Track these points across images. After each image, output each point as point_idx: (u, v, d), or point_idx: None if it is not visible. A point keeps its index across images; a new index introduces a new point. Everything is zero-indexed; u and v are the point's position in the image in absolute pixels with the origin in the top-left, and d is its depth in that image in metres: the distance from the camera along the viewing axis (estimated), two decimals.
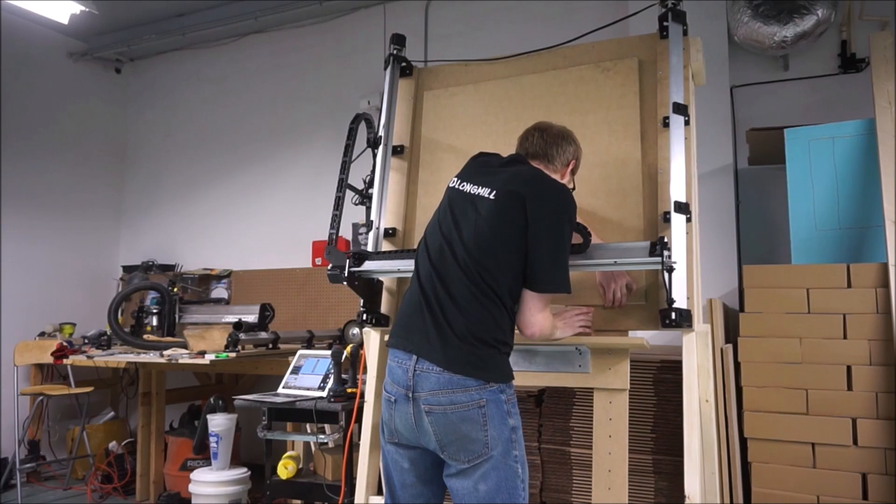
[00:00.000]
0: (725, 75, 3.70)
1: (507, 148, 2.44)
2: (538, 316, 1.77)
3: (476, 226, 1.77)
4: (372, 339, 2.40)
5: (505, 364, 1.76)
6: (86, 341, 4.64)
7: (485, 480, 1.67)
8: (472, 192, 1.84)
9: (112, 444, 4.64)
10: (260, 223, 5.38)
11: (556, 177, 1.94)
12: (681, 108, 2.15)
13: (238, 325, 3.77)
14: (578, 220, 1.93)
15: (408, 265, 2.21)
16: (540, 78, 2.46)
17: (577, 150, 2.03)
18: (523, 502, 1.72)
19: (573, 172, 2.05)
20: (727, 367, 2.77)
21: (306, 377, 3.16)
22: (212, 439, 3.64)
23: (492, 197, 1.79)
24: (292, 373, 3.23)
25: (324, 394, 2.99)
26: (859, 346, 2.56)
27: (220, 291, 5.33)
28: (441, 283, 1.77)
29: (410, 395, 1.72)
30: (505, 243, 1.74)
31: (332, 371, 2.98)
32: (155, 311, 4.74)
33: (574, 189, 2.02)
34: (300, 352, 3.35)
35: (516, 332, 1.81)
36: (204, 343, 3.76)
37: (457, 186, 1.90)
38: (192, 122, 5.85)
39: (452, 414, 1.67)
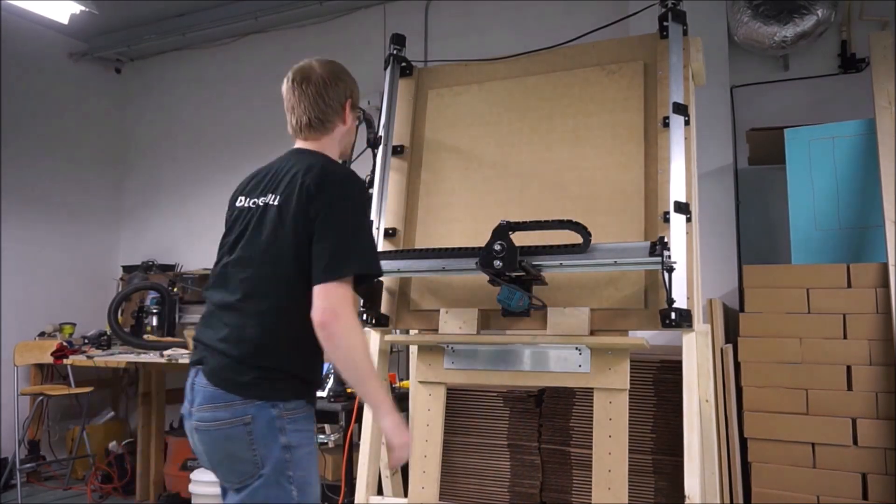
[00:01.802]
0: (725, 75, 3.70)
1: (509, 148, 2.44)
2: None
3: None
4: (372, 339, 2.40)
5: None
6: (86, 341, 4.65)
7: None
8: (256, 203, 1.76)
9: (112, 444, 4.64)
10: None
11: (337, 130, 1.83)
12: (681, 108, 2.15)
13: None
14: (579, 220, 1.94)
15: (408, 265, 2.21)
16: (544, 79, 2.46)
17: (347, 83, 1.86)
18: None
19: (354, 107, 1.90)
20: (727, 367, 2.77)
21: None
22: None
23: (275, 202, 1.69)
24: None
25: (324, 394, 2.99)
26: (859, 346, 2.56)
27: None
28: None
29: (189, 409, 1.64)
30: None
31: (332, 371, 2.98)
32: (155, 311, 4.75)
33: (361, 119, 1.95)
34: None
35: None
36: None
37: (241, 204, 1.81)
38: (192, 122, 5.85)
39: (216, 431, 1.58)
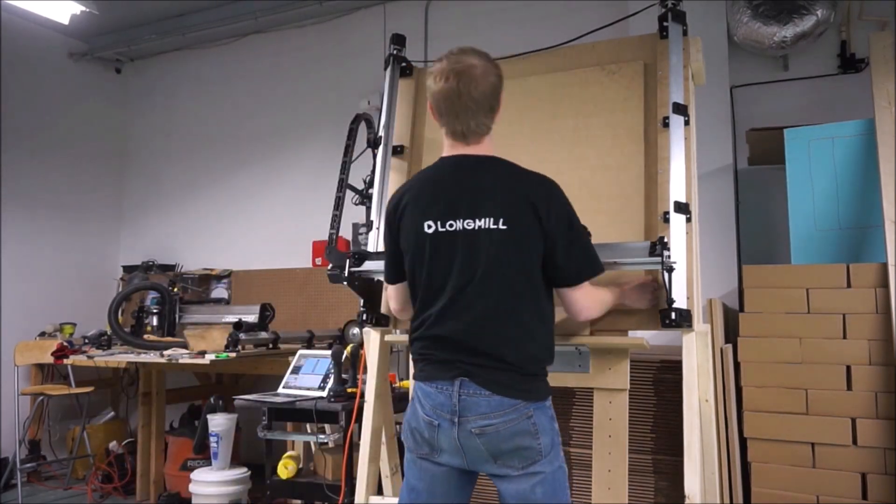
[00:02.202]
0: (725, 75, 3.70)
1: (508, 148, 2.43)
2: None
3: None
4: (372, 339, 2.40)
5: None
6: (86, 341, 4.64)
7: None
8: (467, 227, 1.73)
9: (112, 444, 4.64)
10: (260, 223, 5.38)
11: (492, 132, 1.79)
12: (681, 108, 2.15)
13: (238, 325, 3.77)
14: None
15: None
16: (544, 79, 2.46)
17: (500, 76, 1.77)
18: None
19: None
20: (727, 367, 2.77)
21: (306, 377, 3.15)
22: (212, 439, 3.64)
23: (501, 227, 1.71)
24: (292, 373, 3.23)
25: (324, 394, 2.99)
26: (859, 346, 2.56)
27: (220, 291, 5.33)
28: None
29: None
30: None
31: (332, 371, 2.98)
32: (155, 311, 4.74)
33: None
34: (300, 352, 3.35)
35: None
36: (204, 343, 3.77)
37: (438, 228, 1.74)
38: (192, 122, 5.85)
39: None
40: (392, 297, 1.96)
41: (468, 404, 1.67)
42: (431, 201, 1.75)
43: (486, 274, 1.69)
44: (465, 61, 1.71)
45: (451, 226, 1.72)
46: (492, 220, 1.69)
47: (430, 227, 1.73)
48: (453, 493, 1.78)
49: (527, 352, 1.70)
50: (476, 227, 1.70)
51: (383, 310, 2.28)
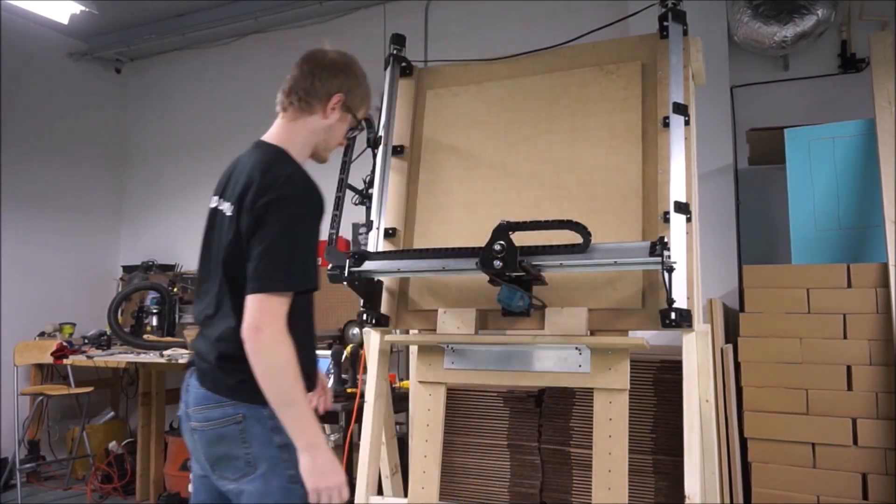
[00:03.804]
0: (725, 75, 3.70)
1: (507, 148, 2.44)
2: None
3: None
4: (372, 339, 2.40)
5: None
6: (86, 341, 4.65)
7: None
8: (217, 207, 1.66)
9: (112, 444, 4.64)
10: None
11: (312, 120, 1.70)
12: (681, 108, 2.15)
13: None
14: (578, 220, 1.93)
15: (408, 265, 2.21)
16: (542, 79, 2.46)
17: (349, 80, 1.74)
18: None
19: (348, 109, 1.75)
20: (727, 367, 2.77)
21: None
22: None
23: (229, 211, 1.61)
24: None
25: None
26: (859, 346, 2.56)
27: None
28: None
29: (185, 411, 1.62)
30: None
31: (332, 371, 2.98)
32: (155, 311, 4.75)
33: (360, 130, 1.86)
34: None
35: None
36: None
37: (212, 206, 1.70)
38: (192, 122, 5.85)
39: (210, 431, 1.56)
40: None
41: (189, 395, 1.60)
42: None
43: (212, 259, 1.64)
44: (326, 47, 1.77)
45: (214, 202, 1.68)
46: (228, 204, 1.62)
47: (211, 202, 1.69)
48: None
49: (224, 349, 1.54)
50: (218, 208, 1.65)
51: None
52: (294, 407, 1.49)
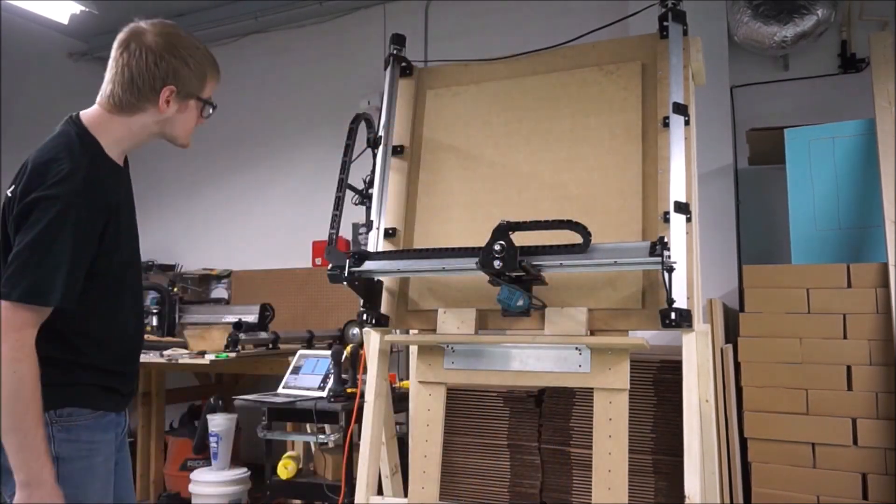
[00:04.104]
0: (725, 75, 3.70)
1: (507, 148, 2.44)
2: None
3: None
4: (372, 340, 2.40)
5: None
6: None
7: None
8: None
9: None
10: (260, 223, 5.38)
11: (142, 114, 1.58)
12: (681, 108, 2.15)
13: (238, 325, 3.77)
14: (578, 220, 1.94)
15: (408, 265, 2.21)
16: (542, 79, 2.46)
17: (175, 64, 1.54)
18: None
19: (185, 96, 1.60)
20: (727, 367, 2.77)
21: (306, 377, 3.15)
22: (212, 439, 3.64)
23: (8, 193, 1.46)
24: (292, 373, 3.23)
25: (324, 394, 2.99)
26: (859, 346, 2.56)
27: (220, 291, 5.33)
28: None
29: None
30: None
31: (332, 371, 2.98)
32: (155, 311, 4.74)
33: (212, 111, 1.70)
34: (300, 352, 3.35)
35: None
36: (204, 343, 3.77)
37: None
38: None
39: None
40: None
41: None
42: None
43: None
44: (145, 24, 1.58)
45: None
46: (13, 187, 1.46)
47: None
48: None
49: None
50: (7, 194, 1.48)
51: None
52: (21, 435, 1.30)
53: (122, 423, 1.59)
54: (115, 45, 1.56)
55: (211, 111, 1.67)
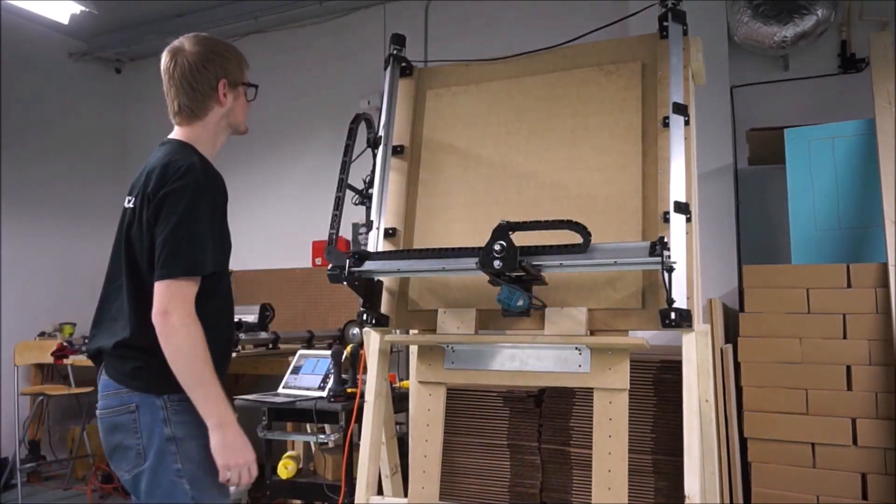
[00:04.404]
0: (725, 75, 3.70)
1: (507, 148, 2.44)
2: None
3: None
4: (372, 339, 2.40)
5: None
6: (86, 341, 4.64)
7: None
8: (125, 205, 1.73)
9: None
10: (260, 223, 5.38)
11: (212, 116, 1.77)
12: (681, 108, 2.15)
13: (238, 325, 3.77)
14: (578, 220, 1.94)
15: (408, 265, 2.21)
16: (542, 79, 2.46)
17: (219, 61, 1.75)
18: None
19: (234, 84, 1.78)
20: (727, 367, 2.77)
21: (306, 377, 3.16)
22: None
23: (130, 204, 1.69)
24: (292, 373, 3.23)
25: (324, 394, 2.99)
26: (859, 346, 2.56)
27: None
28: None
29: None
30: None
31: (332, 371, 2.98)
32: None
33: (255, 92, 1.86)
34: (300, 352, 3.35)
35: None
36: None
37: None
38: None
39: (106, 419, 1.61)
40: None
41: (100, 383, 1.65)
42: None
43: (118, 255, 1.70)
44: (178, 42, 1.76)
45: (126, 203, 1.73)
46: (131, 198, 1.69)
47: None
48: None
49: (121, 336, 1.60)
50: (125, 206, 1.71)
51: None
52: (204, 387, 1.54)
53: None
54: (164, 68, 1.77)
55: (255, 92, 1.87)
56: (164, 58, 1.76)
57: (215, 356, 1.58)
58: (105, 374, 1.63)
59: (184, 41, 1.76)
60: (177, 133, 1.79)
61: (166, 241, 1.56)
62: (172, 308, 1.52)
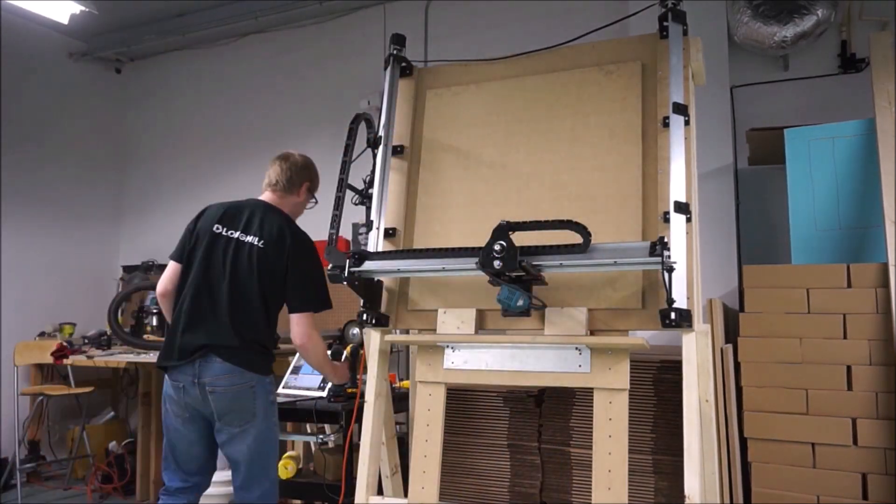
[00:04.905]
0: (725, 75, 3.70)
1: (507, 148, 2.45)
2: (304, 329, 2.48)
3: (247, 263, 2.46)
4: (372, 340, 2.40)
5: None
6: (86, 341, 4.65)
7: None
8: (237, 237, 2.49)
9: (112, 444, 4.64)
10: None
11: (294, 199, 2.64)
12: (681, 108, 2.15)
13: None
14: (577, 220, 1.94)
15: (408, 265, 2.21)
16: (542, 79, 2.46)
17: (311, 174, 2.71)
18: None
19: (311, 191, 2.72)
20: (727, 367, 2.77)
21: (306, 377, 3.16)
22: None
23: (259, 244, 2.45)
24: (292, 373, 3.22)
25: (324, 394, 2.99)
26: (859, 346, 2.56)
27: None
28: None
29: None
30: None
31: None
32: (155, 311, 4.75)
33: (315, 203, 2.75)
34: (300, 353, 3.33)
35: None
36: None
37: (220, 232, 2.51)
38: (192, 122, 5.85)
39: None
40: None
41: (210, 369, 2.37)
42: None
43: (226, 273, 2.45)
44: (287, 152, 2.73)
45: (221, 230, 2.53)
46: (255, 237, 2.47)
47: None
48: None
49: (255, 337, 2.43)
50: (237, 238, 2.49)
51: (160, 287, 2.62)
52: (329, 370, 2.67)
53: None
54: (277, 158, 2.70)
55: (315, 203, 2.77)
56: (280, 154, 2.72)
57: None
58: (226, 361, 2.36)
59: (293, 152, 2.73)
60: (270, 199, 2.62)
61: (303, 286, 2.47)
62: (312, 333, 2.48)
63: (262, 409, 2.40)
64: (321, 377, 3.12)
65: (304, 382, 3.14)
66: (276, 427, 2.49)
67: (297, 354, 3.36)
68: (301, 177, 2.64)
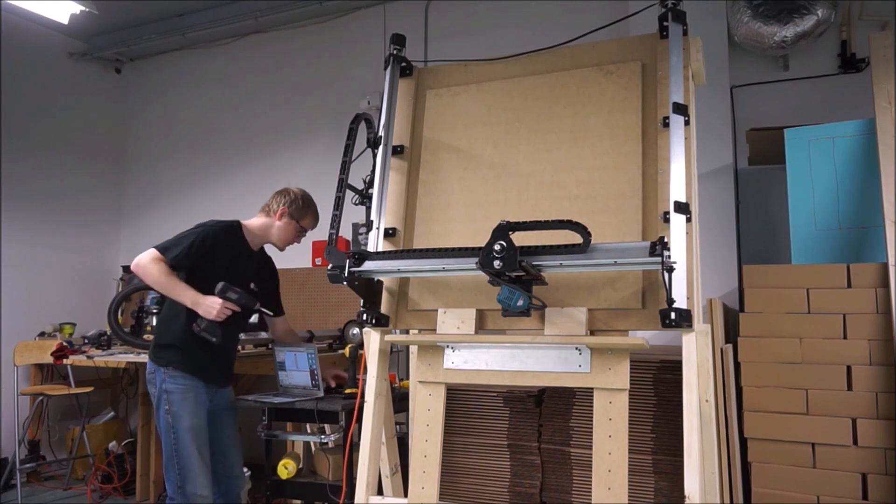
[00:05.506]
0: (725, 75, 3.70)
1: (507, 148, 2.45)
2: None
3: None
4: (372, 339, 2.40)
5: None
6: (86, 341, 4.64)
7: None
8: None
9: (112, 444, 4.64)
10: None
11: (269, 219, 3.07)
12: (681, 108, 2.15)
13: None
14: (578, 220, 1.94)
15: (408, 265, 2.21)
16: (542, 79, 2.46)
17: (290, 203, 3.07)
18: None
19: (292, 217, 3.06)
20: (727, 367, 2.77)
21: (294, 373, 3.14)
22: None
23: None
24: (280, 370, 3.18)
25: (321, 393, 2.99)
26: (859, 346, 2.56)
27: None
28: None
29: None
30: None
31: (312, 364, 3.02)
32: (155, 311, 4.73)
33: (303, 232, 3.18)
34: (276, 347, 3.26)
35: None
36: None
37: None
38: (191, 121, 5.85)
39: None
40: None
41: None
42: None
43: None
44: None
45: None
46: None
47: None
48: None
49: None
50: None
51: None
52: (171, 290, 2.78)
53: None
54: (276, 193, 3.15)
55: (300, 231, 3.18)
56: (279, 190, 3.18)
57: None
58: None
59: (293, 188, 3.16)
60: (252, 221, 3.08)
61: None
62: (145, 261, 2.76)
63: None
64: (307, 372, 3.10)
65: (294, 380, 3.12)
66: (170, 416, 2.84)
67: (275, 350, 3.31)
68: (277, 202, 3.07)
